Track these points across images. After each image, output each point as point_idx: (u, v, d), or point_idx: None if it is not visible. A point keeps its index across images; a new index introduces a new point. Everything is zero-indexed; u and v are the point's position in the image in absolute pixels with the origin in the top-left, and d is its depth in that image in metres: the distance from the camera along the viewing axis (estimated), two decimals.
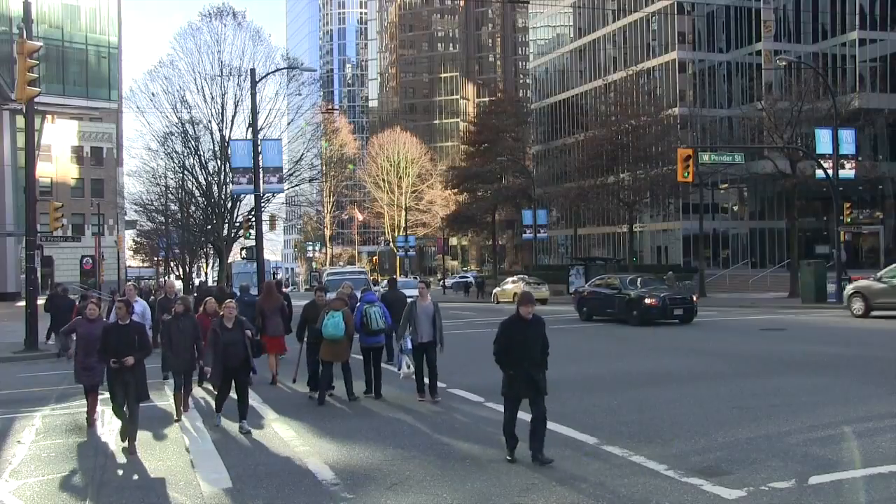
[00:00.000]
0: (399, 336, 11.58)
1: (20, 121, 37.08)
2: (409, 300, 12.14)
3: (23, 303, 24.10)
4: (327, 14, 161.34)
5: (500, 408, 11.00)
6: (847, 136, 31.54)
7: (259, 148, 29.81)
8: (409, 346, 11.37)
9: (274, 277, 66.90)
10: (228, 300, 10.75)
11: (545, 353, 8.01)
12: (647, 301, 23.60)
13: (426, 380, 11.54)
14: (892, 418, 9.25)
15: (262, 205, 33.82)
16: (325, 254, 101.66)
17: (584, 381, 13.16)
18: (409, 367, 11.35)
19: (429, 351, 11.39)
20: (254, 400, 12.34)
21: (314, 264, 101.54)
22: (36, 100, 19.69)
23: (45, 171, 55.73)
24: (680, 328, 22.38)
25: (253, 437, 9.68)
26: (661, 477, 7.18)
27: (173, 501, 7.15)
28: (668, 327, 22.58)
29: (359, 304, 12.93)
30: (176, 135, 43.61)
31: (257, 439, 9.54)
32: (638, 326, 22.99)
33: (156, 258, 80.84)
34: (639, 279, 26.71)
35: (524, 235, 54.78)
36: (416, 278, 52.41)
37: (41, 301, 21.88)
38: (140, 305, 14.00)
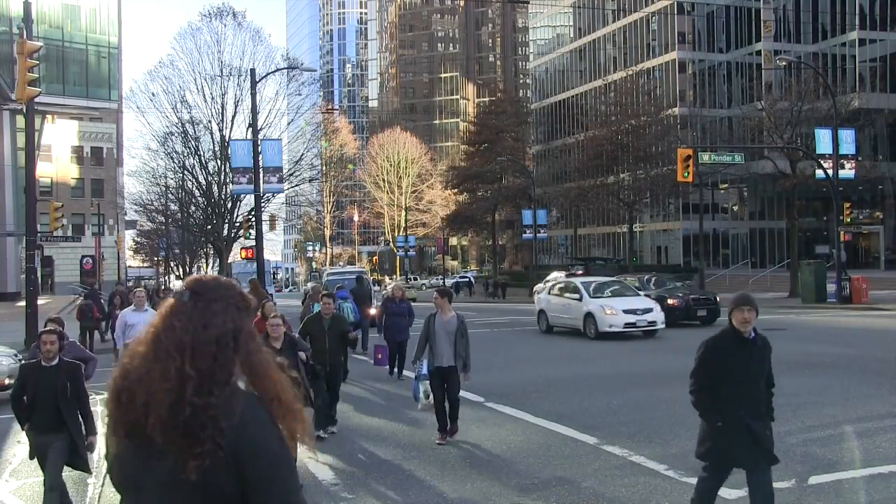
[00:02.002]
0: (415, 357, 9.49)
1: (20, 121, 37.03)
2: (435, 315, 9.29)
3: (23, 303, 24.10)
4: (327, 14, 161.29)
5: (500, 407, 11.04)
6: (847, 136, 31.51)
7: (259, 148, 29.80)
8: (424, 370, 9.27)
9: (274, 277, 66.85)
10: (273, 316, 8.20)
11: (770, 392, 5.51)
12: (670, 302, 22.95)
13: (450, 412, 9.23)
14: (892, 418, 9.25)
15: (262, 205, 33.79)
16: (325, 254, 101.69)
17: (585, 381, 13.15)
18: (427, 396, 9.25)
19: (449, 379, 8.94)
20: None
21: (314, 264, 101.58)
22: (36, 100, 19.68)
23: (45, 171, 55.68)
24: (694, 330, 21.98)
25: None
26: (661, 477, 7.19)
27: None
28: (686, 329, 22.01)
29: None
30: (176, 135, 43.62)
31: None
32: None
33: (156, 258, 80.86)
34: (653, 279, 26.20)
35: (524, 235, 54.75)
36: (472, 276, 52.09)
37: (42, 301, 21.90)
38: (151, 316, 12.90)
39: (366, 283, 20.59)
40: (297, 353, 7.60)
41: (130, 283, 54.02)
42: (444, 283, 67.14)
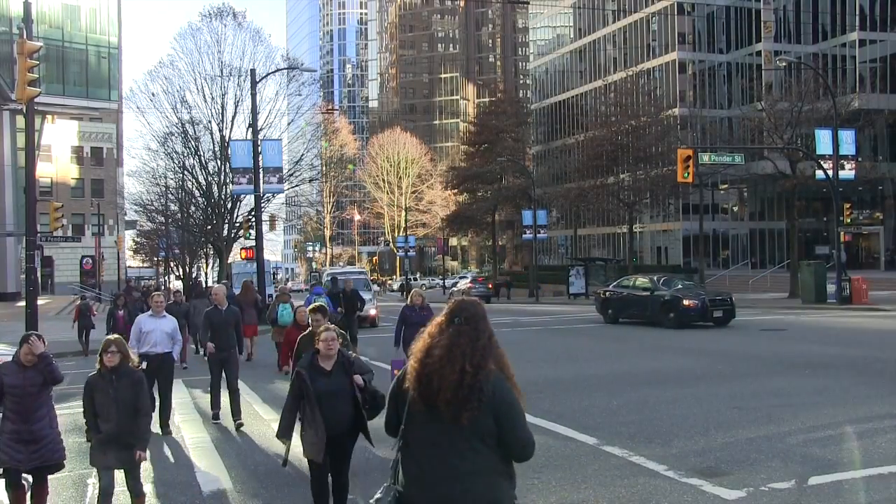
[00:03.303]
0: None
1: (20, 121, 37.08)
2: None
3: (23, 303, 24.12)
4: (327, 14, 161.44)
5: None
6: (847, 137, 31.51)
7: (259, 148, 29.81)
8: None
9: (274, 278, 66.80)
10: (324, 328, 6.27)
11: None
12: (686, 302, 22.57)
13: None
14: (892, 419, 9.27)
15: (262, 205, 33.76)
16: (325, 254, 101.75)
17: (585, 381, 13.16)
18: None
19: None
20: (252, 399, 12.37)
21: (314, 264, 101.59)
22: (36, 100, 19.66)
23: (45, 172, 55.71)
24: (707, 331, 21.65)
25: (253, 437, 9.69)
26: (661, 477, 7.19)
27: (173, 502, 7.16)
28: (698, 330, 21.79)
29: (309, 295, 17.83)
30: (176, 135, 43.58)
31: (256, 440, 9.55)
32: (674, 329, 21.82)
33: (156, 258, 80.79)
34: (663, 279, 25.74)
35: (524, 236, 54.78)
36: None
37: (42, 301, 21.90)
38: (170, 322, 10.36)
39: (339, 282, 21.34)
40: (351, 376, 6.08)
41: (131, 283, 53.99)
42: (443, 283, 67.30)
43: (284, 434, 6.08)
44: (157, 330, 9.93)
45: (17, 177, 41.49)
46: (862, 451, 7.83)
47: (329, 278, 24.84)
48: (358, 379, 6.06)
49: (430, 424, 3.45)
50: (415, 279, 77.36)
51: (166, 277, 74.24)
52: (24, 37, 18.10)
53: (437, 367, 3.39)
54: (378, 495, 3.78)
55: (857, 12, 54.23)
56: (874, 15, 54.83)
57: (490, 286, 52.68)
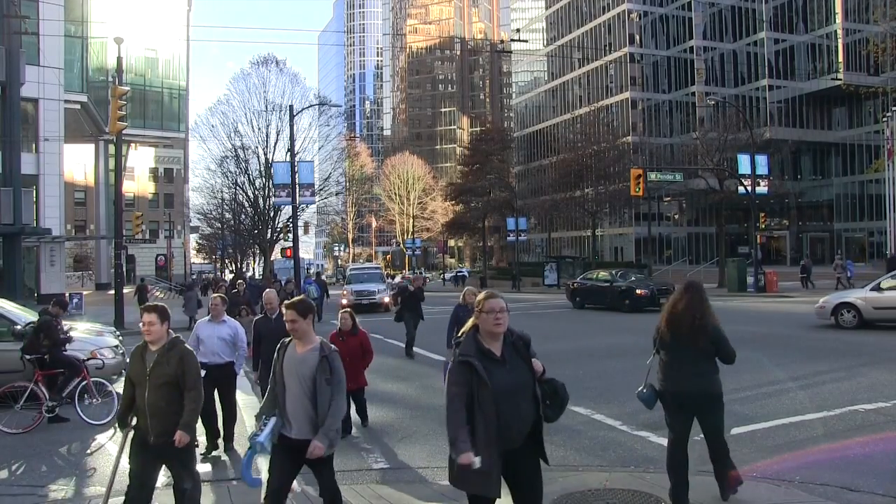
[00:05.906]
0: (261, 412, 4.22)
1: (111, 148, 37.19)
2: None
3: (112, 291, 24.40)
4: (350, 61, 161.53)
5: None
6: (761, 161, 31.62)
7: (296, 168, 29.90)
8: (267, 431, 4.00)
9: (307, 272, 66.63)
10: (487, 293, 3.78)
11: None
12: (638, 291, 22.69)
13: None
14: (793, 381, 9.43)
15: (298, 214, 33.83)
16: (349, 253, 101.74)
17: (555, 354, 13.28)
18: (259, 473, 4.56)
19: (312, 461, 3.97)
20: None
21: (339, 261, 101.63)
22: (123, 132, 19.83)
23: (129, 188, 55.77)
24: (655, 315, 21.46)
25: None
26: (617, 431, 7.33)
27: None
28: (649, 314, 21.49)
29: (303, 284, 19.00)
30: (230, 158, 43.67)
31: None
32: (629, 313, 21.74)
33: (214, 256, 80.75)
34: (619, 273, 25.75)
35: (508, 238, 54.69)
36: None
37: (126, 290, 21.99)
38: (227, 328, 7.17)
39: (322, 277, 22.54)
40: (529, 362, 3.75)
41: (194, 277, 53.95)
42: (442, 277, 67.10)
43: (468, 451, 3.27)
44: (212, 337, 7.00)
45: (108, 192, 41.60)
46: (770, 407, 7.99)
47: (315, 274, 25.60)
48: (538, 364, 3.74)
49: (675, 346, 4.86)
50: (420, 272, 77.30)
51: (221, 272, 74.20)
52: (116, 83, 18.27)
53: (680, 315, 4.86)
54: (640, 389, 5.19)
55: (766, 64, 54.76)
56: (779, 67, 55.36)
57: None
